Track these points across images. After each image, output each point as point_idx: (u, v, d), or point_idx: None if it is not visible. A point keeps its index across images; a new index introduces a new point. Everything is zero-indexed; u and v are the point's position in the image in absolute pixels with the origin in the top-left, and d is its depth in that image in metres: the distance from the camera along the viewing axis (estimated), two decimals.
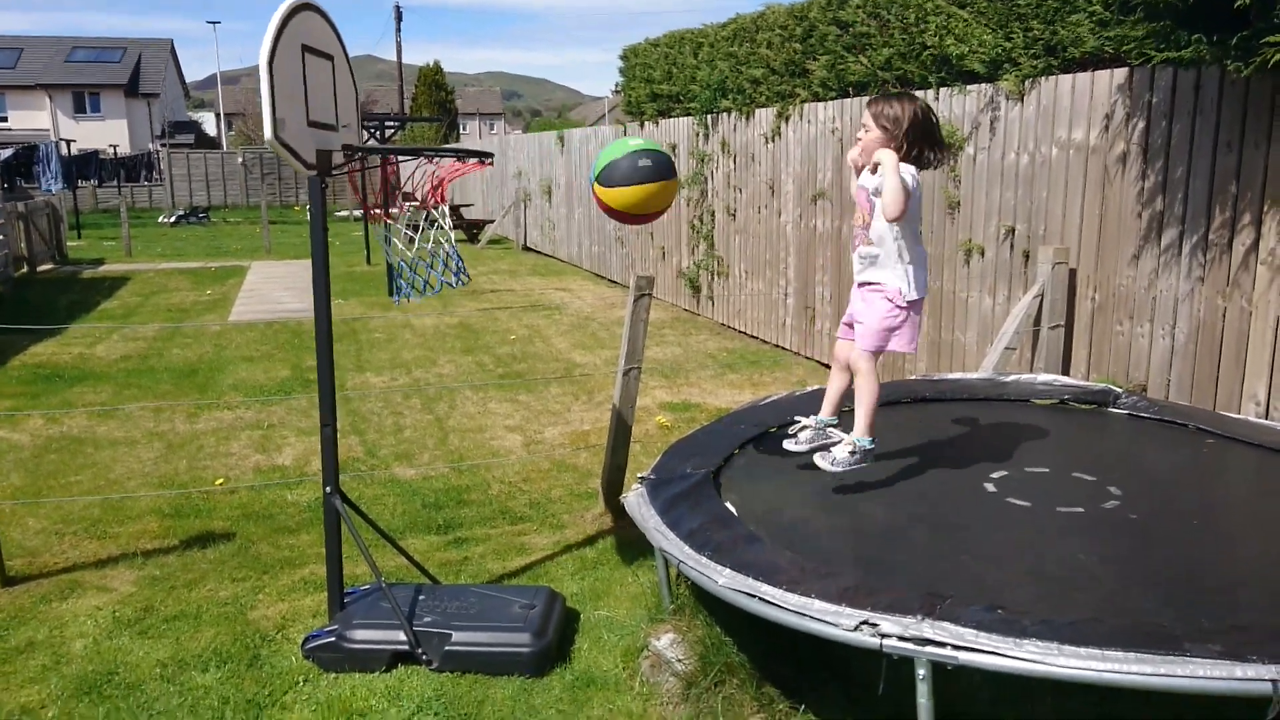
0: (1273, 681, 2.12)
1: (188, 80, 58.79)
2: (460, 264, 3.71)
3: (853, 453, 3.47)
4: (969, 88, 6.29)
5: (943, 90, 6.52)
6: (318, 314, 3.53)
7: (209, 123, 61.04)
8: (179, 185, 33.38)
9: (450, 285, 3.66)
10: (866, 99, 3.43)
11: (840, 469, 3.47)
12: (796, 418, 3.78)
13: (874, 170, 3.37)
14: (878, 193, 3.33)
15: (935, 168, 3.50)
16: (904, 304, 3.40)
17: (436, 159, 3.76)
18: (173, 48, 51.43)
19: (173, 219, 26.95)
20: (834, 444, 3.57)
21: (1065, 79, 5.56)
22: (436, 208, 3.69)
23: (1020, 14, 5.87)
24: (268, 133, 3.13)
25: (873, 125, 3.37)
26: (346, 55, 3.78)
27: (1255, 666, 2.15)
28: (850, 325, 3.57)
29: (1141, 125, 5.10)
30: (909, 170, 3.31)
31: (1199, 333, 4.90)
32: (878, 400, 3.47)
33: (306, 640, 3.51)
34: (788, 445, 3.71)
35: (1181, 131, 4.89)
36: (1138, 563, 2.97)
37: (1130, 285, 5.25)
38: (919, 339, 3.55)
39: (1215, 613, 2.56)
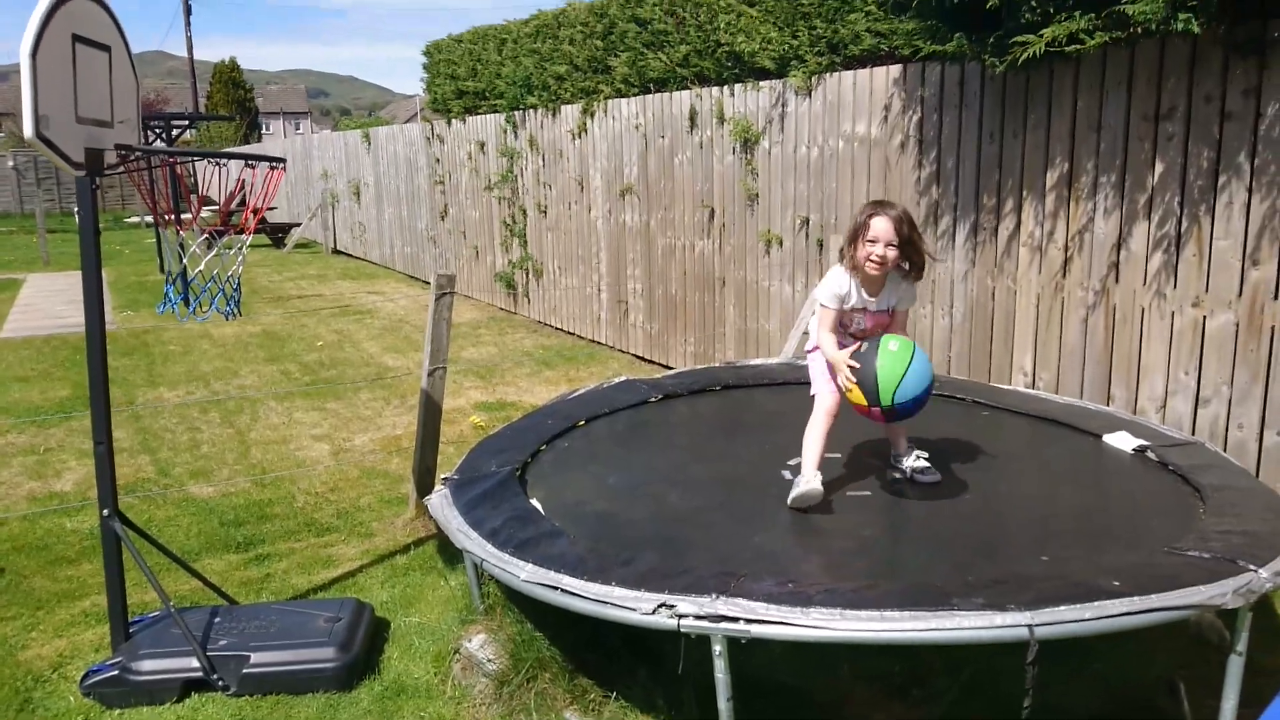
0: (1029, 626, 2.30)
1: None
2: (238, 295, 3.52)
3: (801, 483, 3.32)
4: (761, 84, 6.52)
5: (737, 87, 6.73)
6: (89, 319, 3.29)
7: None
8: None
9: (221, 315, 3.47)
10: (889, 215, 3.28)
11: (791, 495, 3.31)
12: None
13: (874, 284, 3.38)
14: (900, 304, 3.44)
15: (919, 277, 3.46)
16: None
17: (224, 165, 3.56)
18: None
19: None
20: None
21: (848, 75, 5.85)
22: (240, 233, 3.51)
23: (805, 13, 6.13)
24: (28, 130, 2.87)
25: (896, 242, 3.26)
26: (127, 46, 3.51)
27: (1013, 614, 2.33)
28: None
29: (916, 118, 5.44)
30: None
31: (973, 311, 5.27)
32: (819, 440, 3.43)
33: (85, 676, 3.26)
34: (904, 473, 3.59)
35: (951, 123, 5.24)
36: (918, 531, 3.16)
37: None
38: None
39: (980, 569, 2.75)
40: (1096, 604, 2.36)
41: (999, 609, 2.34)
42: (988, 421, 4.32)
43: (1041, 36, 4.08)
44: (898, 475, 3.60)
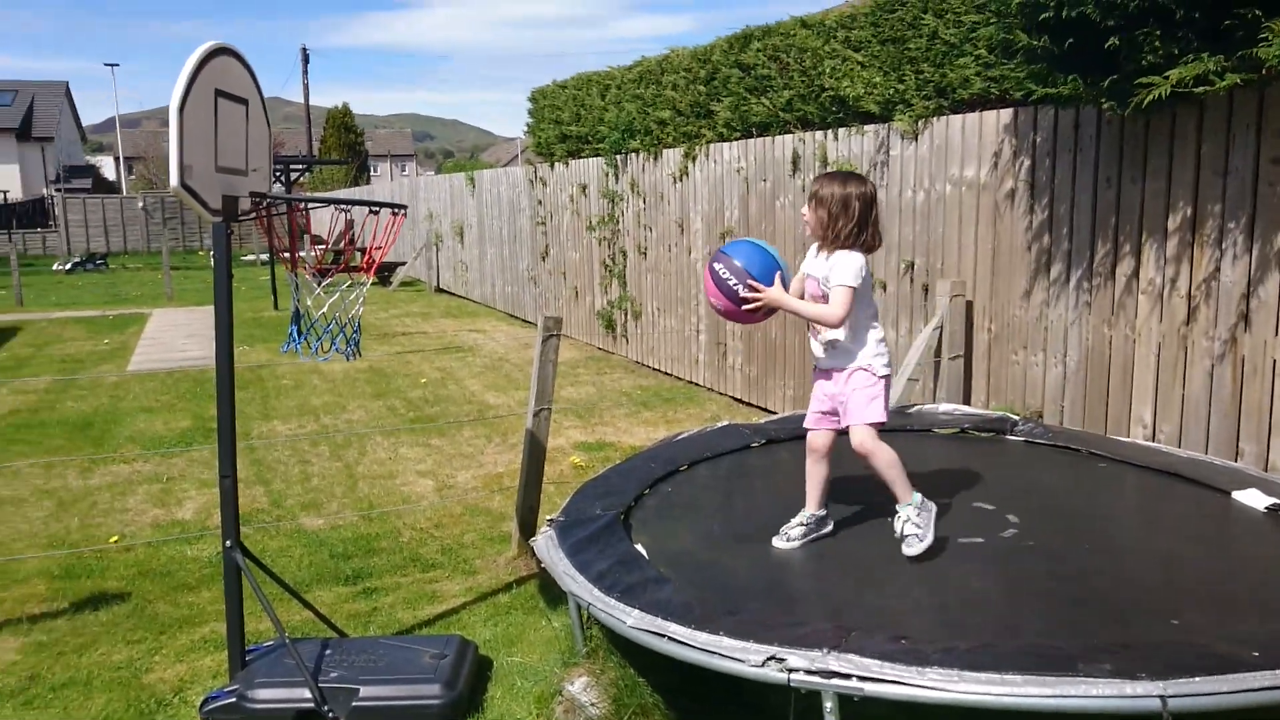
0: (1161, 697, 2.19)
1: (85, 123, 57.09)
2: (357, 337, 3.64)
3: (916, 517, 3.32)
4: (865, 128, 6.49)
5: (840, 130, 6.71)
6: (219, 360, 3.44)
7: (108, 167, 59.27)
8: (75, 231, 32.27)
9: (342, 355, 3.58)
10: (815, 177, 3.39)
11: (929, 538, 3.28)
12: (790, 525, 3.58)
13: (822, 252, 3.37)
14: (828, 282, 3.32)
15: (875, 250, 3.44)
16: (879, 375, 3.38)
17: (349, 210, 3.70)
18: (68, 90, 49.91)
19: (68, 266, 26.01)
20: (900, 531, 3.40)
21: (956, 119, 5.78)
22: (350, 272, 3.64)
23: (911, 57, 6.10)
24: (173, 180, 3.05)
25: (817, 206, 3.31)
26: (262, 99, 3.70)
27: (1144, 684, 2.22)
28: (826, 413, 3.48)
29: (1028, 163, 5.33)
30: (856, 261, 3.28)
31: (1088, 360, 5.10)
32: (897, 462, 3.36)
33: (205, 702, 3.37)
34: (777, 543, 3.50)
35: (1064, 168, 5.12)
36: (1034, 588, 3.05)
37: (1023, 315, 5.45)
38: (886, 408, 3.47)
39: (1106, 633, 2.64)
40: (1234, 676, 2.24)
41: (1129, 677, 2.24)
42: (1105, 474, 4.16)
43: (1168, 79, 3.97)
44: (782, 538, 3.51)
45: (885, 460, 3.36)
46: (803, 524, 3.52)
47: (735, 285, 3.34)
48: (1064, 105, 4.95)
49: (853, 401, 3.38)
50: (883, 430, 4.55)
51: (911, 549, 3.28)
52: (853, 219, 3.28)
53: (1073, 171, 5.07)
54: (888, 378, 3.42)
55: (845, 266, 3.28)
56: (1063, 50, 4.40)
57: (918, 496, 3.36)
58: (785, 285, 3.38)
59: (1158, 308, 4.71)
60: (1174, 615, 2.78)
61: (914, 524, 3.32)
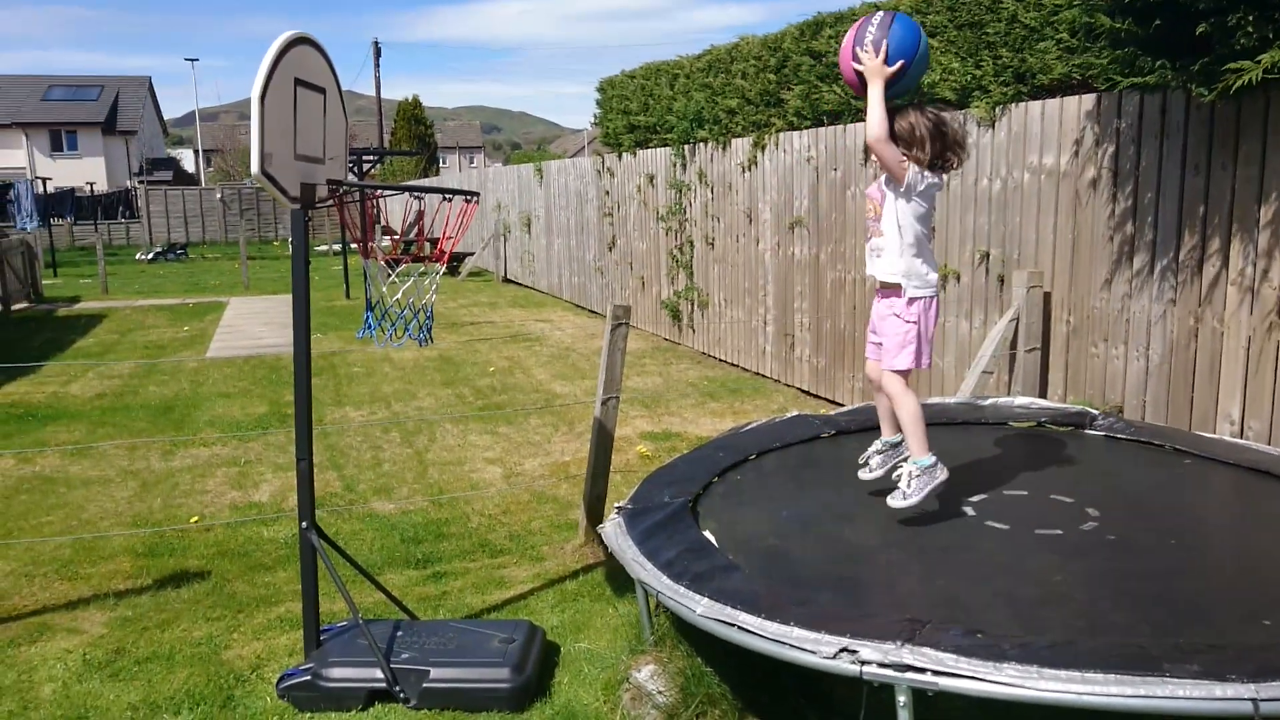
0: (1253, 700, 2.11)
1: (166, 117, 58.78)
2: (430, 324, 3.69)
3: (916, 476, 3.42)
4: None
5: None
6: (297, 347, 3.51)
7: (187, 159, 61.00)
8: (157, 222, 33.27)
9: (416, 341, 3.63)
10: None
11: (913, 499, 3.40)
12: (869, 453, 3.75)
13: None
14: (889, 183, 3.41)
15: (957, 168, 3.52)
16: (912, 318, 3.44)
17: (423, 199, 3.75)
18: (151, 85, 51.44)
19: (150, 256, 26.83)
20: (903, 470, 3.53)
21: (1035, 105, 5.63)
22: (419, 261, 3.69)
23: (989, 42, 5.95)
24: (254, 167, 3.12)
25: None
26: (339, 88, 3.76)
27: (1235, 686, 2.14)
28: (877, 344, 3.61)
29: (1111, 150, 5.17)
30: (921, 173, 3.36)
31: (1172, 353, 4.94)
32: (921, 416, 3.45)
33: (281, 679, 3.45)
34: (863, 475, 3.67)
35: (1150, 155, 4.96)
36: (1116, 583, 2.97)
37: (1104, 307, 5.29)
38: (929, 355, 3.53)
39: (1193, 632, 2.55)
40: None
41: (1218, 679, 2.16)
42: (1191, 471, 4.03)
43: (1259, 63, 3.81)
44: (865, 468, 3.66)
45: (908, 412, 3.45)
46: (879, 451, 3.67)
47: (866, 40, 3.34)
48: (1150, 91, 4.79)
49: (887, 345, 3.50)
50: (958, 424, 4.48)
51: (894, 501, 3.43)
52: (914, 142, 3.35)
53: (1159, 158, 4.91)
54: (923, 302, 3.44)
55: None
56: (1149, 33, 4.26)
57: (931, 459, 3.43)
58: (905, 78, 3.36)
59: (1247, 299, 4.54)
60: (1265, 616, 2.67)
61: (910, 479, 3.42)
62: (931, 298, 3.47)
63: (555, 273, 15.49)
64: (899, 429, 3.61)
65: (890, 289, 3.51)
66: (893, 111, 3.38)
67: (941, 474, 3.44)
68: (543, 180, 15.74)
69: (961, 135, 3.44)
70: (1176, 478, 3.95)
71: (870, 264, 3.57)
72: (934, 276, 3.48)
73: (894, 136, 3.36)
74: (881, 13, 3.40)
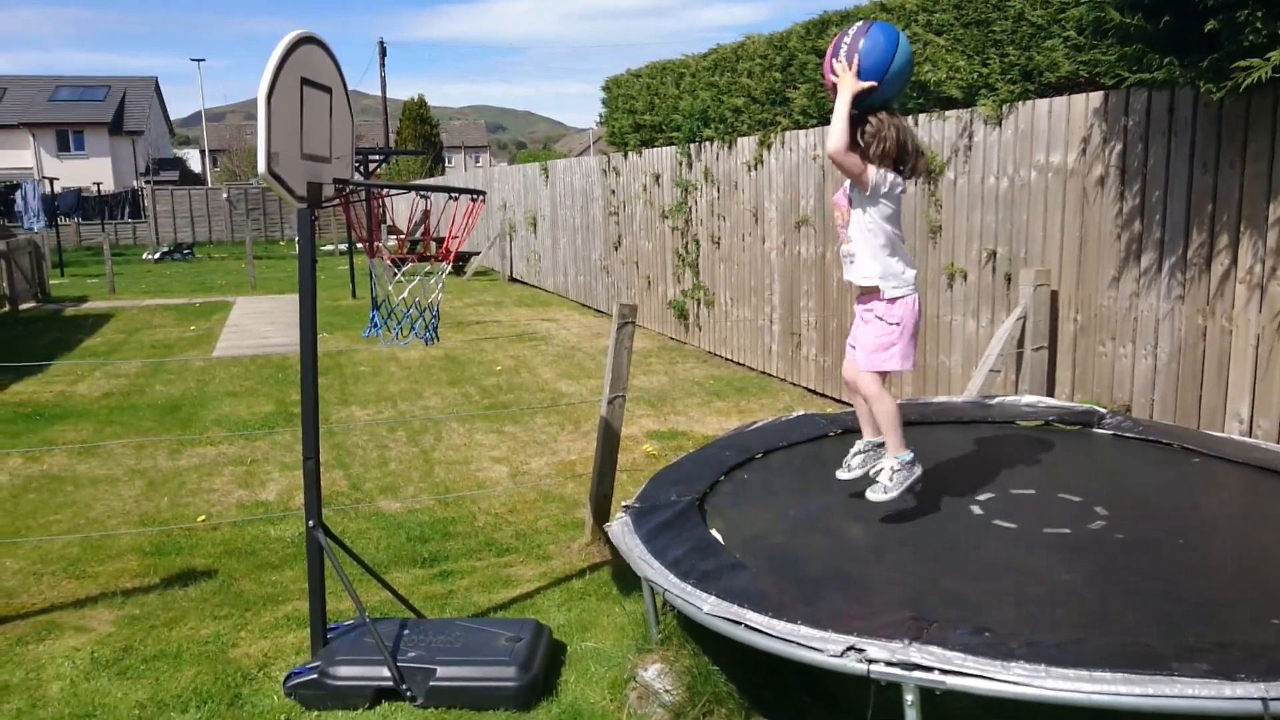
0: (1262, 699, 2.10)
1: (172, 117, 58.89)
2: (436, 323, 3.69)
3: (896, 471, 3.46)
4: (947, 113, 6.35)
5: (921, 116, 6.57)
6: (303, 346, 3.51)
7: (194, 159, 61.13)
8: (163, 222, 33.35)
9: (422, 340, 3.64)
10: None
11: (893, 494, 3.44)
12: (849, 456, 3.76)
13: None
14: (853, 188, 3.43)
15: (919, 175, 3.54)
16: (895, 319, 3.44)
17: (428, 198, 3.75)
18: (157, 85, 51.54)
19: (157, 255, 26.88)
20: (882, 469, 3.56)
21: (1042, 103, 5.61)
22: (438, 262, 3.70)
23: (996, 40, 5.94)
24: (261, 166, 3.12)
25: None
26: (345, 87, 3.76)
27: (1244, 685, 2.13)
28: (853, 347, 3.62)
29: (1119, 148, 5.15)
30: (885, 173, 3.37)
31: (1181, 352, 4.92)
32: (898, 413, 3.49)
33: (288, 678, 3.46)
34: (840, 475, 3.70)
35: (1158, 153, 4.94)
36: (1124, 582, 2.96)
37: (1112, 306, 5.27)
38: (913, 355, 3.55)
39: (1202, 631, 2.54)
40: None
41: (1227, 678, 2.15)
42: (1199, 470, 4.01)
43: (1268, 60, 3.79)
44: (844, 469, 3.68)
45: (885, 411, 3.47)
46: (860, 451, 3.68)
47: (841, 51, 3.35)
48: (1158, 88, 4.77)
49: (863, 342, 3.51)
50: (965, 423, 4.47)
51: (874, 495, 3.45)
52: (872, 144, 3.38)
53: (1167, 156, 4.89)
54: (901, 304, 3.44)
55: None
56: (1157, 29, 4.24)
57: (909, 455, 3.46)
58: (883, 104, 3.38)
59: (1256, 297, 4.52)
60: (1274, 615, 2.66)
61: (890, 474, 3.45)
62: (912, 295, 3.47)
63: (561, 272, 15.49)
64: (879, 430, 3.63)
65: (869, 293, 3.51)
66: (865, 113, 3.39)
67: (918, 469, 3.49)
68: (548, 179, 15.75)
69: (920, 146, 3.48)
70: (1185, 477, 3.93)
71: (846, 270, 3.58)
72: (911, 274, 3.49)
73: (862, 135, 3.37)
74: (861, 23, 3.40)
